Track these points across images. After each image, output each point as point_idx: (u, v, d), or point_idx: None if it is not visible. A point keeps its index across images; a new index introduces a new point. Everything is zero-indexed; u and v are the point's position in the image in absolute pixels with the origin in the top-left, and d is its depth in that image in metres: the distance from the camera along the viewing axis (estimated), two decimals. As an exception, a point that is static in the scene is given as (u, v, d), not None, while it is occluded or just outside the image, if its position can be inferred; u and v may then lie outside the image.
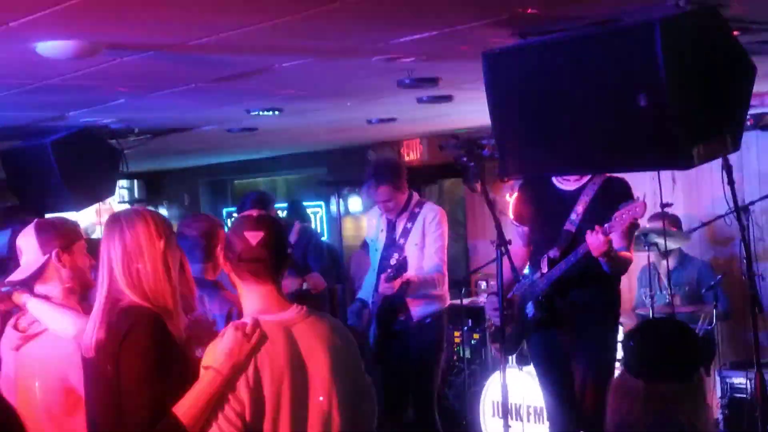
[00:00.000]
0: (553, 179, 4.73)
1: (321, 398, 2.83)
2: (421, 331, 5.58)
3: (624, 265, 4.67)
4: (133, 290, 2.88)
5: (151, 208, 11.95)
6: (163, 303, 2.90)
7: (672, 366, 2.33)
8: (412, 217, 5.62)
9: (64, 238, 3.51)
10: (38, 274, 3.44)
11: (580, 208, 4.56)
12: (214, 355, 2.75)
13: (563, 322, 4.63)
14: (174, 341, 2.88)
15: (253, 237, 2.83)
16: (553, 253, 4.60)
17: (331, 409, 2.85)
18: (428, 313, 5.59)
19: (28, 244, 3.47)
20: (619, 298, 4.80)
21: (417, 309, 5.56)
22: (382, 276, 5.42)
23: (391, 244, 5.64)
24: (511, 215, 8.21)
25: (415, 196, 5.74)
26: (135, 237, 2.90)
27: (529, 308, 4.70)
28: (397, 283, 5.30)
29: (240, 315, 3.03)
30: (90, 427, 2.99)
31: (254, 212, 2.93)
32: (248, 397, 2.72)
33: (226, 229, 3.66)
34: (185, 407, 2.72)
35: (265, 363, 2.75)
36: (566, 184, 4.68)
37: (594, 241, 4.31)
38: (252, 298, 2.89)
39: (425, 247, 5.55)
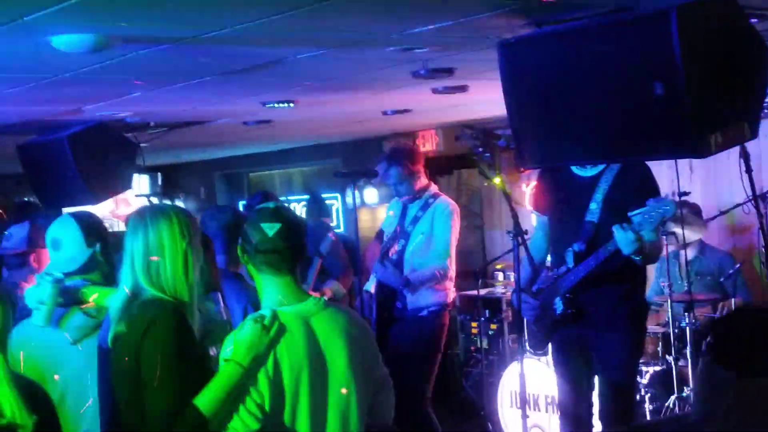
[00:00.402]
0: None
1: (340, 389, 2.85)
2: (415, 323, 5.54)
3: (656, 255, 4.61)
4: (153, 286, 2.91)
5: (167, 201, 12.00)
6: (182, 298, 2.92)
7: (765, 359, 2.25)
8: (425, 207, 5.60)
9: (105, 232, 3.59)
10: (84, 268, 3.48)
11: (599, 197, 4.47)
12: (234, 348, 2.76)
13: (590, 318, 4.57)
14: (194, 336, 2.90)
15: (270, 228, 2.84)
16: (579, 246, 4.48)
17: (349, 400, 2.87)
18: (424, 305, 5.53)
19: (70, 237, 3.50)
20: (644, 293, 4.73)
21: (413, 298, 5.54)
22: (388, 258, 5.42)
23: (401, 231, 5.63)
24: (529, 205, 8.24)
25: (433, 188, 5.73)
26: (158, 235, 2.93)
27: (557, 303, 4.63)
28: (387, 268, 5.31)
29: (256, 308, 3.04)
30: (105, 419, 3.01)
31: (271, 204, 2.94)
32: (268, 388, 2.74)
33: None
34: (206, 399, 2.74)
35: (284, 354, 2.77)
36: (584, 170, 4.60)
37: (623, 239, 4.20)
38: (270, 289, 2.90)
39: (432, 239, 5.52)
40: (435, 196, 5.67)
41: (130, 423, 2.85)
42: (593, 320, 4.54)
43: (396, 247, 5.57)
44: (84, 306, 3.43)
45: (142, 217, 2.98)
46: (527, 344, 5.43)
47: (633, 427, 3.93)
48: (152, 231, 2.93)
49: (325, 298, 2.98)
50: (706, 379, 2.28)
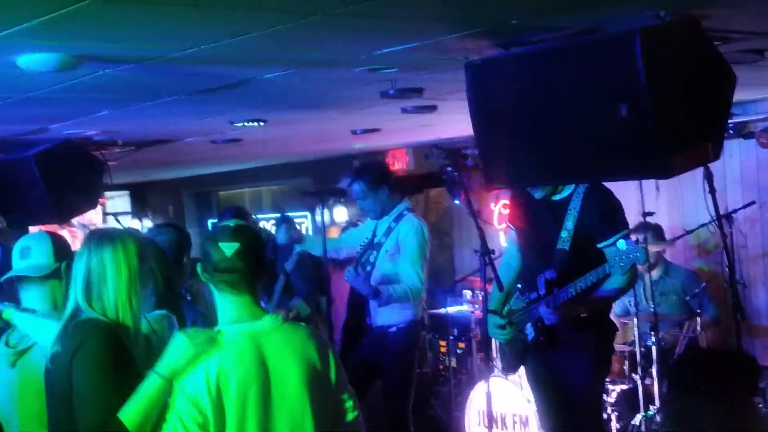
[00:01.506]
0: None
1: (292, 409, 2.83)
2: (382, 340, 5.53)
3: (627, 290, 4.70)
4: (93, 309, 2.96)
5: (136, 219, 11.89)
6: (123, 322, 2.96)
7: (737, 383, 2.30)
8: (398, 218, 5.60)
9: (72, 254, 3.59)
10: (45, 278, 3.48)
11: (569, 224, 4.48)
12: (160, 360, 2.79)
13: (561, 344, 4.59)
14: (130, 356, 2.92)
15: (228, 248, 2.83)
16: (550, 274, 4.50)
17: (303, 421, 2.84)
18: (392, 323, 5.51)
19: (41, 247, 3.50)
20: (610, 315, 4.77)
21: (380, 315, 5.51)
22: (359, 266, 5.40)
23: (371, 245, 5.63)
24: (497, 224, 8.27)
25: (406, 202, 5.71)
26: (101, 259, 2.97)
27: (529, 330, 4.66)
28: (359, 275, 5.29)
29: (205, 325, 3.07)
30: None
31: (231, 222, 2.94)
32: (211, 408, 2.72)
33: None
34: (129, 412, 2.75)
35: (229, 373, 2.75)
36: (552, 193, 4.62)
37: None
38: (227, 307, 2.90)
39: (399, 257, 5.50)
40: (409, 210, 5.66)
41: None
42: (562, 343, 4.56)
43: (370, 258, 5.56)
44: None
45: (89, 241, 3.02)
46: (499, 366, 5.45)
47: None
48: (95, 256, 2.98)
49: (283, 316, 2.97)
50: (680, 411, 2.31)
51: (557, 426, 4.69)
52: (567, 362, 4.57)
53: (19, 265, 3.52)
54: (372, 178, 5.62)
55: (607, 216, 4.44)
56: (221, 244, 2.85)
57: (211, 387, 2.73)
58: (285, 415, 2.82)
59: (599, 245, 4.38)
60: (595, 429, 4.70)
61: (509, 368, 5.09)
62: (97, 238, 3.03)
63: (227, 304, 2.89)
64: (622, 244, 4.21)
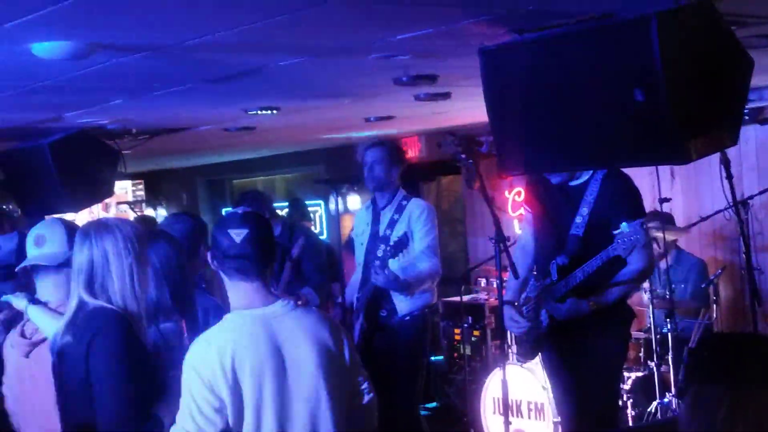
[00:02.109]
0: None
1: (307, 392, 2.84)
2: (401, 329, 5.51)
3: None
4: (98, 299, 2.99)
5: (150, 208, 11.93)
6: (130, 309, 2.99)
7: (756, 371, 2.28)
8: (399, 209, 5.54)
9: None
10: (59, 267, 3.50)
11: (585, 210, 4.46)
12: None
13: (575, 330, 4.57)
14: (141, 344, 2.97)
15: (238, 234, 2.85)
16: (562, 260, 4.48)
17: (319, 403, 2.86)
18: (409, 311, 5.47)
19: (55, 236, 3.51)
20: (627, 302, 4.71)
21: (402, 304, 5.50)
22: (376, 263, 5.32)
23: (376, 237, 5.55)
24: (512, 211, 8.25)
25: (402, 191, 5.67)
26: (102, 250, 3.00)
27: (543, 316, 4.65)
28: (387, 274, 5.22)
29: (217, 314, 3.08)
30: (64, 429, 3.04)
31: (239, 209, 2.96)
32: (227, 392, 2.74)
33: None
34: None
35: (244, 358, 2.77)
36: (568, 179, 4.59)
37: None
38: (238, 293, 2.92)
39: (413, 240, 5.46)
40: (407, 198, 5.61)
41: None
42: (579, 331, 4.55)
43: (378, 254, 5.53)
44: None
45: (87, 233, 3.05)
46: (515, 354, 5.43)
47: None
48: (97, 247, 3.00)
49: (293, 302, 2.98)
50: (697, 399, 2.29)
51: (573, 413, 4.68)
52: (584, 349, 4.55)
53: (33, 253, 3.53)
54: (395, 152, 5.59)
55: (623, 203, 4.41)
56: (230, 231, 2.87)
57: (227, 371, 2.74)
58: (301, 397, 2.84)
59: (614, 232, 4.35)
60: (611, 416, 4.69)
61: (526, 355, 5.08)
62: (95, 228, 3.06)
63: (238, 290, 2.91)
64: (624, 226, 4.20)
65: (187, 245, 3.93)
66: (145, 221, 5.17)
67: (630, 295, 4.71)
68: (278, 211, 7.40)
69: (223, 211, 12.51)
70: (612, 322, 4.54)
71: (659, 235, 5.95)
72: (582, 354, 4.56)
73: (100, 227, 3.06)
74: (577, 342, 4.56)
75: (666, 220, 6.48)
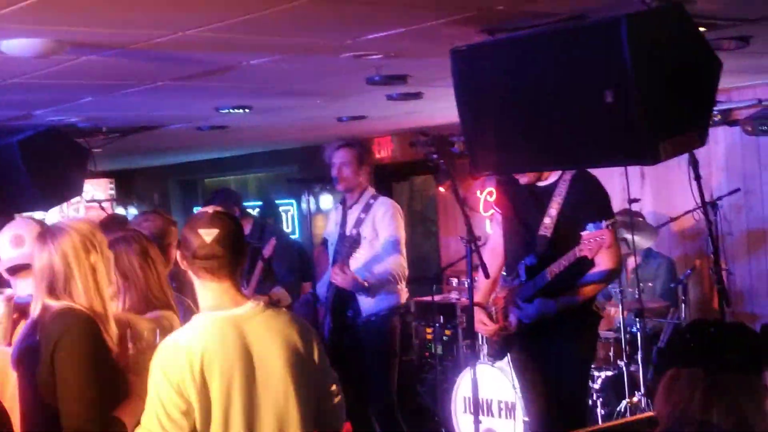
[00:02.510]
0: None
1: (276, 394, 2.83)
2: (368, 329, 5.51)
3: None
4: (66, 299, 2.97)
5: (121, 207, 11.85)
6: (95, 309, 2.97)
7: (734, 356, 2.31)
8: (366, 209, 5.55)
9: None
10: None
11: (553, 211, 4.48)
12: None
13: (544, 331, 4.59)
14: (106, 345, 2.95)
15: (208, 234, 2.83)
16: (530, 260, 4.50)
17: (287, 405, 2.85)
18: (376, 311, 5.48)
19: (34, 234, 3.48)
20: (594, 303, 4.71)
21: (366, 305, 5.49)
22: (335, 265, 5.34)
23: (343, 237, 5.56)
24: (483, 211, 8.27)
25: (371, 190, 5.66)
26: (61, 252, 2.98)
27: (512, 317, 4.66)
28: (347, 274, 5.23)
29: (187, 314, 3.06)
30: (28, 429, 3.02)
31: (209, 209, 2.93)
32: (195, 395, 2.72)
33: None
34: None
35: (213, 360, 2.75)
36: (535, 180, 4.61)
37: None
38: (207, 294, 2.90)
39: (379, 239, 5.46)
40: (374, 197, 5.62)
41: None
42: (546, 332, 4.56)
43: (346, 254, 5.52)
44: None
45: (44, 239, 3.02)
46: (486, 353, 5.44)
47: None
48: (56, 248, 2.98)
49: (263, 303, 2.96)
50: (673, 379, 2.32)
51: (541, 413, 4.70)
52: (552, 350, 4.57)
53: (11, 254, 3.49)
54: (363, 153, 5.59)
55: (592, 204, 4.43)
56: (201, 231, 2.84)
57: (195, 374, 2.72)
58: (269, 399, 2.83)
59: (581, 233, 4.37)
60: (581, 416, 4.71)
61: (496, 355, 5.10)
62: (50, 233, 3.04)
63: (208, 290, 2.89)
64: (591, 227, 4.22)
65: (156, 244, 3.91)
66: (116, 220, 5.13)
67: (597, 296, 4.73)
68: (249, 210, 7.38)
69: (195, 210, 12.46)
70: (580, 324, 4.56)
71: (628, 236, 5.98)
72: (550, 356, 4.59)
73: (55, 231, 3.04)
74: (545, 344, 4.59)
75: (636, 223, 6.52)
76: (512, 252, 4.70)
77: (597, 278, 4.48)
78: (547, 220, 4.48)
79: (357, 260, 5.45)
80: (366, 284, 5.34)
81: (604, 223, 4.25)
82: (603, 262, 4.43)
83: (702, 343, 2.34)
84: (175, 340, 2.81)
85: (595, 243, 4.19)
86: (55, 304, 2.95)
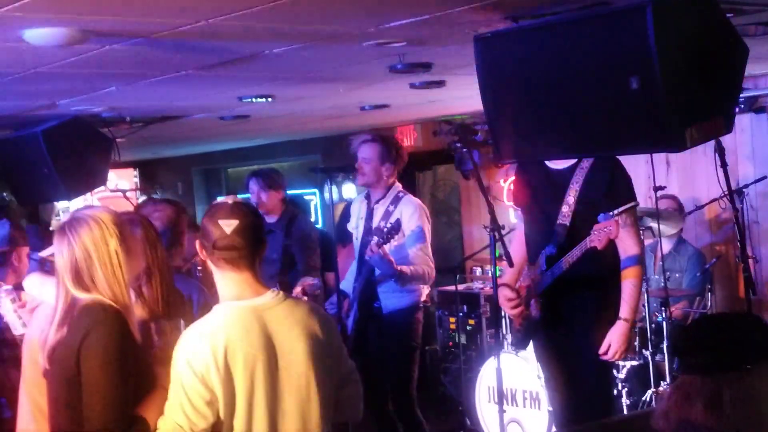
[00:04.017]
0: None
1: (298, 382, 2.83)
2: (391, 322, 5.49)
3: None
4: (88, 292, 2.93)
5: (144, 196, 11.93)
6: (122, 300, 2.94)
7: (697, 359, 2.28)
8: (395, 202, 5.53)
9: None
10: None
11: (570, 199, 4.45)
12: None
13: (565, 321, 4.58)
14: (134, 339, 2.92)
15: (228, 225, 2.83)
16: (550, 249, 4.49)
17: (309, 393, 2.86)
18: (398, 307, 5.47)
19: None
20: (619, 294, 4.63)
21: (388, 301, 5.48)
22: (372, 241, 5.25)
23: (370, 231, 5.51)
24: (507, 200, 8.25)
25: (398, 186, 5.63)
26: (81, 243, 2.94)
27: (533, 307, 4.66)
28: (381, 249, 5.17)
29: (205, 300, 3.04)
30: (53, 427, 3.00)
31: (229, 199, 2.93)
32: (219, 385, 2.72)
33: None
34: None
35: (236, 350, 2.75)
36: (557, 163, 4.59)
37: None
38: (227, 284, 2.90)
39: (405, 240, 5.40)
40: (402, 193, 5.59)
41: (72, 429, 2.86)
42: (569, 322, 4.55)
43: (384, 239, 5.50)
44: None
45: (62, 232, 2.98)
46: (509, 341, 5.43)
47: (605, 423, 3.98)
48: (76, 240, 2.93)
49: (282, 292, 2.96)
50: (676, 390, 2.30)
51: (566, 403, 4.69)
52: (574, 339, 4.56)
53: None
54: (388, 149, 5.56)
55: (611, 189, 4.40)
56: (220, 222, 2.84)
57: (219, 363, 2.73)
58: (292, 388, 2.84)
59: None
60: (606, 405, 4.69)
61: (519, 344, 5.09)
62: (70, 223, 3.00)
63: (228, 281, 2.89)
64: (601, 217, 4.20)
65: (168, 233, 3.91)
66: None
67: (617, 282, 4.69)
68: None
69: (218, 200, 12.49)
70: (601, 313, 4.53)
71: (654, 225, 5.95)
72: (571, 346, 4.57)
73: (73, 222, 3.00)
74: (568, 333, 4.57)
75: (673, 205, 6.48)
76: (533, 241, 4.68)
77: (632, 264, 4.45)
78: (564, 209, 4.46)
79: (388, 251, 5.44)
80: (399, 270, 5.29)
81: (611, 213, 4.23)
82: (626, 249, 4.41)
83: (674, 346, 2.34)
84: (198, 330, 2.81)
85: (603, 233, 4.17)
86: (82, 296, 2.92)
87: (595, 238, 4.19)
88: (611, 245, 4.34)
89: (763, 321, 2.37)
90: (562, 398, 4.70)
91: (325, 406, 2.89)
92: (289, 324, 2.87)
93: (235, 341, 2.76)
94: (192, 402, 2.72)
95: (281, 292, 2.94)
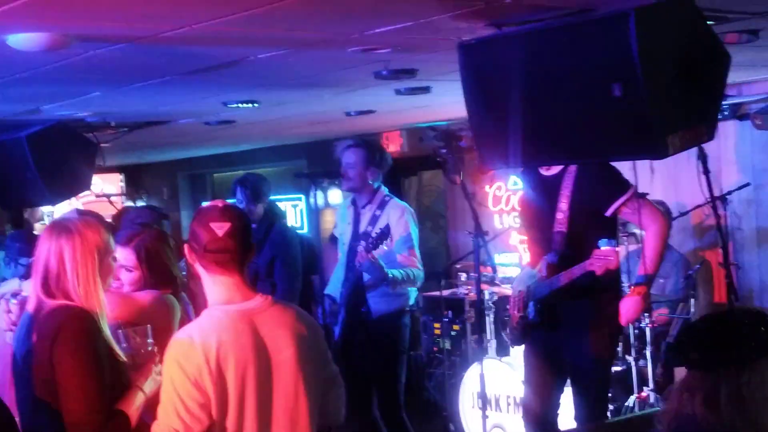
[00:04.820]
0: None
1: (287, 386, 2.85)
2: (379, 326, 5.49)
3: None
4: (61, 298, 2.97)
5: (129, 202, 11.87)
6: (92, 307, 2.98)
7: (698, 354, 2.30)
8: (381, 206, 5.52)
9: None
10: None
11: (563, 206, 4.50)
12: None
13: (561, 328, 4.60)
14: (104, 338, 2.96)
15: (219, 228, 2.82)
16: (551, 258, 4.53)
17: (298, 397, 2.87)
18: (387, 311, 5.48)
19: None
20: (617, 303, 4.66)
21: (377, 306, 5.48)
22: (361, 244, 5.24)
23: (358, 235, 5.53)
24: (489, 206, 8.26)
25: (383, 191, 5.62)
26: (59, 249, 2.99)
27: (530, 309, 4.68)
28: (370, 255, 5.16)
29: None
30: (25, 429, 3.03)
31: (219, 203, 2.93)
32: (212, 388, 2.73)
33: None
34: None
35: (228, 352, 2.76)
36: (547, 170, 4.62)
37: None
38: (216, 288, 2.89)
39: (393, 244, 5.39)
40: (388, 197, 5.58)
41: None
42: (566, 330, 4.57)
43: (361, 247, 5.49)
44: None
45: (47, 233, 3.04)
46: (509, 338, 5.44)
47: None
48: (54, 246, 2.99)
49: (270, 297, 2.97)
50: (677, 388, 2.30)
51: (543, 408, 4.70)
52: (571, 343, 4.59)
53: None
54: (372, 153, 5.55)
55: (604, 186, 4.45)
56: (212, 225, 2.84)
57: (212, 367, 2.73)
58: (281, 391, 2.85)
59: (607, 214, 4.42)
60: (601, 408, 4.71)
61: (515, 341, 5.11)
62: (53, 228, 3.06)
63: (218, 284, 2.89)
64: (603, 242, 4.23)
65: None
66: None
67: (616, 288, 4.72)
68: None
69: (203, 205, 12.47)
70: (597, 317, 4.56)
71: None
72: (569, 349, 4.60)
73: (56, 226, 3.05)
74: (564, 337, 4.60)
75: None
76: (533, 247, 4.75)
77: (657, 242, 4.54)
78: (559, 216, 4.50)
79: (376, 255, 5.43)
80: (389, 274, 5.28)
81: (614, 242, 4.31)
82: (647, 225, 4.49)
83: (679, 341, 2.34)
84: (189, 335, 2.80)
85: (602, 261, 4.21)
86: (47, 302, 2.97)
87: (595, 264, 4.23)
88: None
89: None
90: (540, 402, 4.72)
91: (312, 410, 2.91)
92: (278, 328, 2.88)
93: (227, 344, 2.77)
94: (187, 405, 2.72)
95: (269, 297, 2.95)
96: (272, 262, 6.21)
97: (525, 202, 4.82)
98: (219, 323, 2.81)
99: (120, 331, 3.16)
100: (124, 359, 3.05)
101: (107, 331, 3.00)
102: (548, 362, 4.72)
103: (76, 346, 2.85)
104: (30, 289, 3.05)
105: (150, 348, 3.19)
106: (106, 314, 3.04)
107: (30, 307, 3.01)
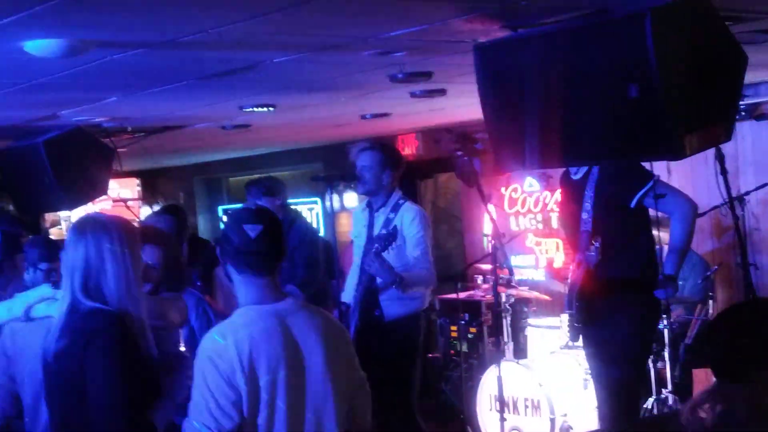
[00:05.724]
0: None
1: (317, 388, 2.86)
2: (393, 330, 5.49)
3: None
4: (93, 299, 2.93)
5: (146, 206, 11.92)
6: (126, 309, 2.94)
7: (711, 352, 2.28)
8: (396, 208, 5.51)
9: None
10: None
11: (588, 205, 4.58)
12: None
13: (599, 321, 4.63)
14: (138, 344, 2.93)
15: (252, 230, 2.85)
16: (579, 257, 4.60)
17: (325, 399, 2.89)
18: (401, 315, 5.45)
19: None
20: (652, 295, 4.70)
21: (390, 309, 5.48)
22: (372, 250, 5.18)
23: (372, 238, 5.50)
24: (505, 208, 8.25)
25: (398, 193, 5.61)
26: (98, 248, 2.93)
27: (572, 306, 4.73)
28: (383, 262, 5.18)
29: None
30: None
31: (252, 205, 2.97)
32: (245, 387, 2.74)
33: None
34: None
35: (260, 351, 2.77)
36: (575, 172, 4.72)
37: None
38: (249, 289, 2.91)
39: (406, 246, 5.38)
40: (402, 199, 5.57)
41: None
42: (600, 321, 4.60)
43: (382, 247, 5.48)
44: None
45: (82, 230, 2.99)
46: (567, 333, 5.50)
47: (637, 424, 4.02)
48: (93, 244, 2.94)
49: (300, 299, 3.00)
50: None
51: (599, 400, 4.81)
52: (606, 338, 4.65)
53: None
54: (387, 156, 5.54)
55: (626, 179, 4.49)
56: (245, 226, 2.86)
57: (245, 365, 2.74)
58: (311, 392, 2.87)
59: (632, 206, 4.48)
60: (628, 406, 4.73)
61: (573, 337, 5.15)
62: (91, 225, 3.00)
63: (249, 286, 2.90)
64: (660, 294, 4.42)
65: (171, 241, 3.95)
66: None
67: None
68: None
69: (220, 210, 12.50)
70: (631, 313, 4.62)
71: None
72: (604, 344, 4.67)
73: (96, 224, 3.00)
74: (600, 332, 4.67)
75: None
76: (568, 247, 4.84)
77: (684, 225, 4.64)
78: (584, 216, 4.59)
79: (389, 258, 5.42)
80: (402, 278, 5.27)
81: (634, 200, 4.47)
82: (676, 212, 4.59)
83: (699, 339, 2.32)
84: (221, 333, 2.82)
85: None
86: (84, 303, 2.92)
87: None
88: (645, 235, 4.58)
89: None
90: (597, 394, 4.85)
91: (339, 413, 2.92)
92: (309, 330, 2.90)
93: (259, 342, 2.78)
94: (219, 403, 2.73)
95: (300, 299, 2.97)
96: (293, 252, 6.23)
97: (560, 205, 4.93)
98: (252, 322, 2.83)
99: (151, 334, 3.15)
100: (156, 364, 3.03)
101: (142, 333, 2.98)
102: (595, 357, 4.81)
103: (108, 354, 2.82)
104: (63, 289, 2.99)
105: (182, 352, 3.20)
106: (143, 316, 3.01)
107: (63, 307, 2.96)
